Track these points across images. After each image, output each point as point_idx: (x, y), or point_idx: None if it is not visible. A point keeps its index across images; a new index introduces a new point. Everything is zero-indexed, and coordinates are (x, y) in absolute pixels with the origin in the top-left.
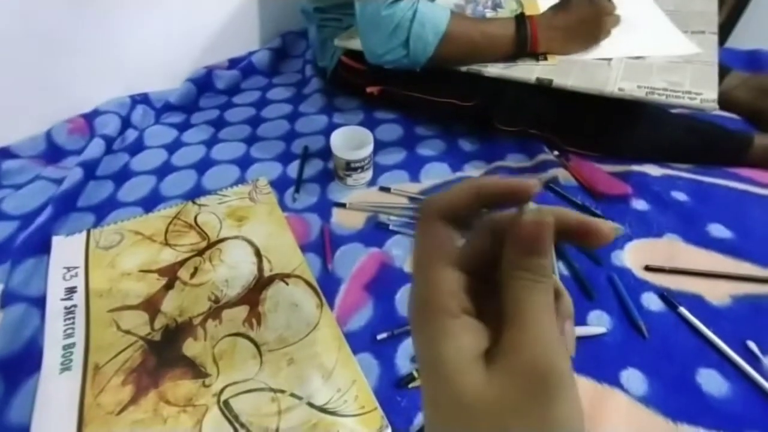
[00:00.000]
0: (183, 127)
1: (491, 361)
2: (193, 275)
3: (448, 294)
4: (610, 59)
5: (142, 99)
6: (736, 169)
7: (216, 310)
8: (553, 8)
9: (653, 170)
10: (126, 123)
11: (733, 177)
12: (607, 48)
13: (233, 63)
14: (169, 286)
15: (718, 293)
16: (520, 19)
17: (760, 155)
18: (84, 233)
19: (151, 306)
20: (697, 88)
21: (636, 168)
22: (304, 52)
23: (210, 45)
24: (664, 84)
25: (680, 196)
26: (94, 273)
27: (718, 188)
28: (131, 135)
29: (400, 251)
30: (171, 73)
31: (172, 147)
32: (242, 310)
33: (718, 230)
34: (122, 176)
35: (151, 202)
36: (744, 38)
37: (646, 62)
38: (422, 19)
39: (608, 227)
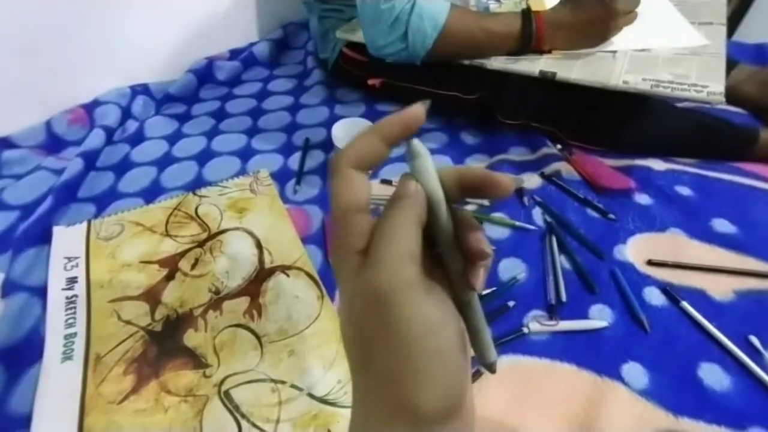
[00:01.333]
0: (183, 118)
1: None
2: (193, 266)
3: (358, 235)
4: (615, 51)
5: (142, 90)
6: (741, 163)
7: (216, 302)
8: (563, 4)
9: (657, 164)
10: (126, 114)
11: (738, 172)
12: (612, 40)
13: (234, 54)
14: (169, 277)
15: (721, 288)
16: (526, 15)
17: (766, 150)
18: (84, 224)
19: (151, 297)
20: (704, 81)
21: (639, 162)
22: (306, 44)
23: (211, 36)
24: (669, 77)
25: (684, 190)
26: (94, 263)
27: (723, 183)
28: (132, 126)
29: None
30: (171, 64)
31: (173, 138)
32: (243, 302)
33: (722, 225)
34: (123, 167)
35: (151, 194)
36: (752, 31)
37: (652, 54)
38: (421, 12)
39: (507, 179)
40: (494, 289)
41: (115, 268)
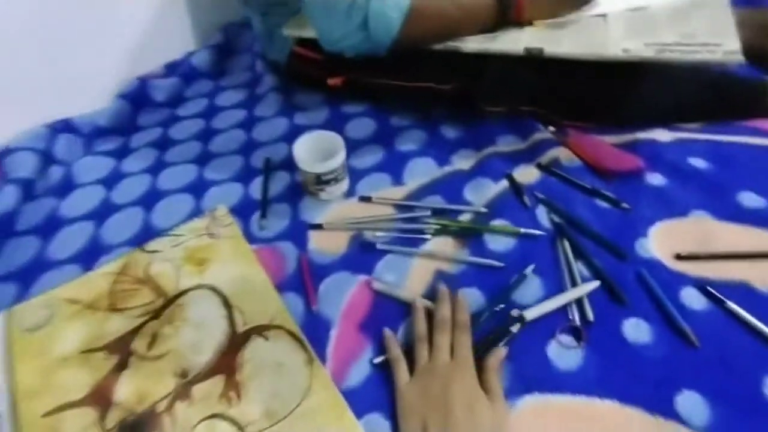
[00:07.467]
0: (120, 154)
1: None
2: (151, 345)
3: None
4: (605, 14)
5: (63, 126)
6: (753, 122)
7: (184, 387)
8: None
9: (663, 135)
10: (47, 159)
11: (752, 132)
12: (600, 1)
13: (170, 69)
14: (122, 366)
15: (767, 277)
16: None
17: None
18: (2, 314)
19: (100, 397)
20: (715, 38)
21: (642, 135)
22: (251, 46)
23: (140, 50)
24: (675, 37)
25: (699, 162)
26: (19, 366)
27: (740, 147)
28: (56, 173)
29: (392, 275)
30: (97, 90)
31: (110, 181)
32: (217, 382)
33: (750, 199)
34: (50, 227)
35: (90, 256)
36: None
37: (648, 13)
38: None
39: None
40: (502, 307)
41: (48, 368)
